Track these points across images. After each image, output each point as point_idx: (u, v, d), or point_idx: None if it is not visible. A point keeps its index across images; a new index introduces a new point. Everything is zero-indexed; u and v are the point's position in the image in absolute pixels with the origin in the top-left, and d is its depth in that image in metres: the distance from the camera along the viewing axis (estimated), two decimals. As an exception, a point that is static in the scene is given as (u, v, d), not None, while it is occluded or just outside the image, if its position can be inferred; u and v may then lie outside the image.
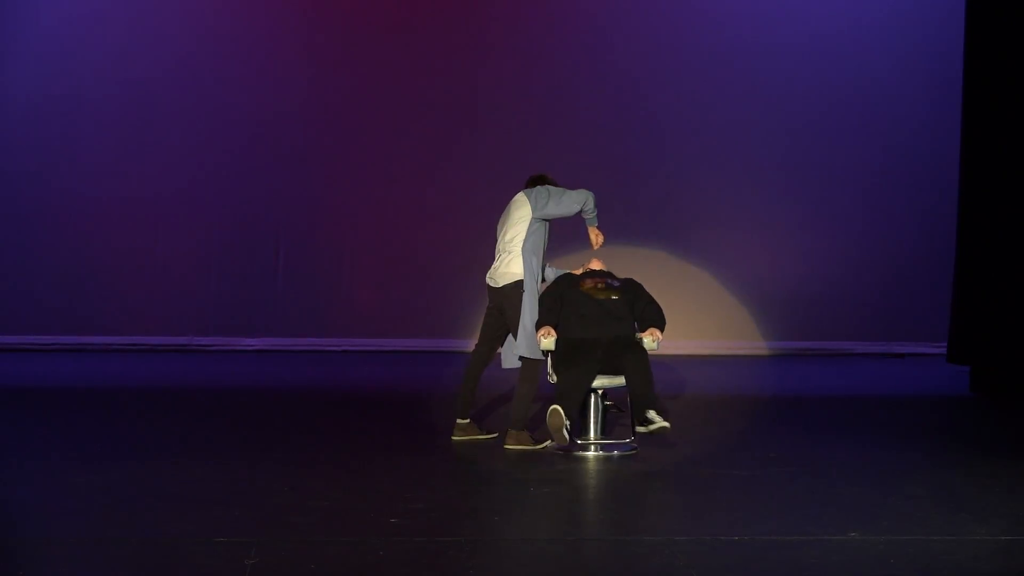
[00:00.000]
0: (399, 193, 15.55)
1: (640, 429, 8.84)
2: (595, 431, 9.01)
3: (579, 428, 8.98)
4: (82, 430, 9.82)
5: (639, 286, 9.36)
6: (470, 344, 15.45)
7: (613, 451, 8.95)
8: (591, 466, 8.66)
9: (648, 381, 8.85)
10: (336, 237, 15.57)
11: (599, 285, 9.24)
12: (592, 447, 8.93)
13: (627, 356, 8.88)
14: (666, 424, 8.79)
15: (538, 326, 9.04)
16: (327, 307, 15.51)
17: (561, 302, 9.20)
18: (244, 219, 15.51)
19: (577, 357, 8.89)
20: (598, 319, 9.11)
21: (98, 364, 14.11)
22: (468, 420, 9.40)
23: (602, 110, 15.68)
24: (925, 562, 6.27)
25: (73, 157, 15.30)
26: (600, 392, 9.04)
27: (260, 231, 15.49)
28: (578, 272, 9.47)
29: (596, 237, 9.38)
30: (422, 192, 15.56)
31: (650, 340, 9.05)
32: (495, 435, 9.40)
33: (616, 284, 9.28)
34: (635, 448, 9.05)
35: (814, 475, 8.34)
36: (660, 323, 9.13)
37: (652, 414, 8.85)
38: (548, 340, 8.99)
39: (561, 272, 9.57)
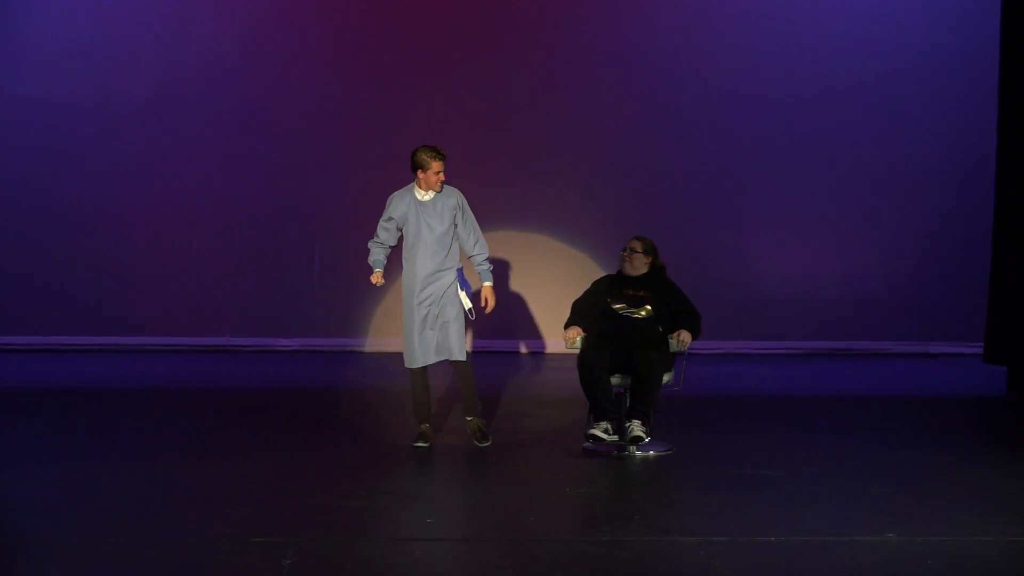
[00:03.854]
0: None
1: (595, 433, 8.86)
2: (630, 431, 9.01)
3: (617, 428, 8.99)
4: (118, 430, 9.87)
5: (673, 289, 9.36)
6: (506, 345, 15.60)
7: (649, 451, 8.95)
8: (627, 467, 8.66)
9: (649, 389, 8.86)
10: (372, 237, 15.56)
11: (630, 307, 9.26)
12: (628, 447, 8.93)
13: (641, 358, 8.90)
14: (641, 434, 8.83)
15: (567, 326, 9.35)
16: (363, 307, 15.53)
17: (593, 309, 9.33)
18: (280, 219, 15.54)
19: (597, 354, 8.96)
20: (625, 323, 9.19)
21: (133, 365, 14.17)
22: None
23: (628, 109, 15.64)
24: (961, 563, 6.25)
25: (108, 158, 15.35)
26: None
27: (296, 231, 15.52)
28: (621, 254, 9.49)
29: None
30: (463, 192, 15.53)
31: (675, 342, 9.07)
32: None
33: (645, 297, 9.27)
34: (671, 448, 9.06)
35: (849, 476, 8.32)
36: (693, 330, 9.15)
37: (635, 425, 8.85)
38: (574, 339, 9.17)
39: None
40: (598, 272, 10.03)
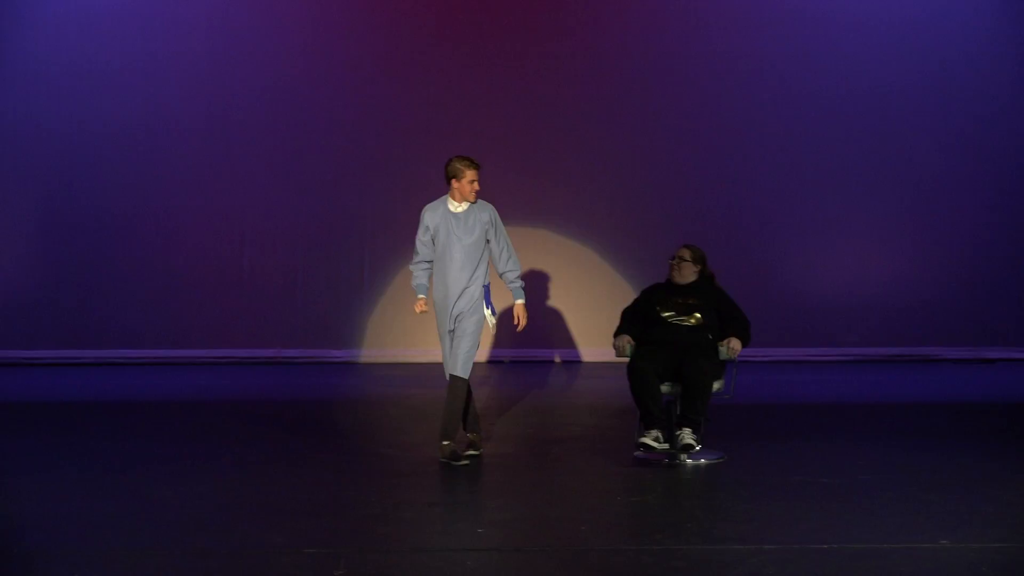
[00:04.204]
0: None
1: (646, 442, 8.83)
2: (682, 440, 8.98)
3: (668, 437, 8.96)
4: (170, 442, 9.92)
5: (723, 297, 9.34)
6: (557, 354, 15.61)
7: (700, 460, 8.93)
8: (678, 475, 8.64)
9: (700, 397, 8.84)
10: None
11: (679, 315, 9.24)
12: (679, 456, 8.91)
13: (691, 366, 8.88)
14: (692, 443, 8.80)
15: (616, 334, 9.32)
16: (412, 318, 15.55)
17: (643, 318, 9.32)
18: (330, 232, 15.60)
19: (647, 362, 8.94)
20: (674, 331, 9.18)
21: (186, 377, 14.25)
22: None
23: (676, 117, 15.61)
24: (1016, 571, 6.20)
25: (161, 173, 15.46)
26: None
27: (346, 243, 15.58)
28: (670, 262, 9.47)
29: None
30: (504, 201, 15.56)
31: (724, 349, 9.05)
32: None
33: (695, 305, 9.26)
34: (722, 457, 9.03)
35: (903, 482, 8.27)
36: (743, 337, 9.13)
37: (686, 433, 8.83)
38: (624, 348, 9.16)
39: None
40: (646, 281, 10.03)
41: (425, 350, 15.41)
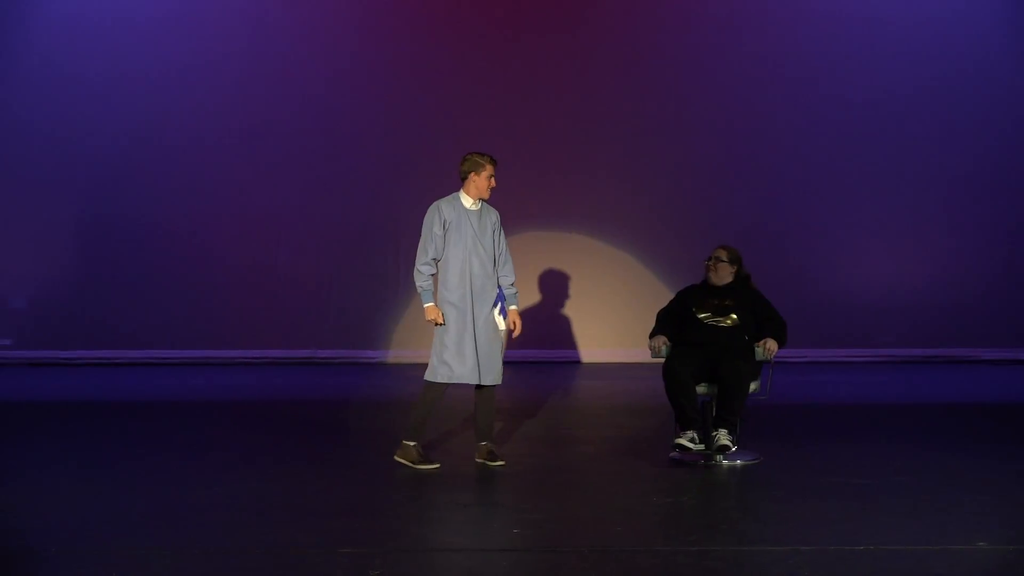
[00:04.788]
0: (513, 205, 15.58)
1: (681, 443, 8.81)
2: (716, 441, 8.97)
3: (703, 438, 8.95)
4: (204, 442, 9.97)
5: (759, 298, 9.31)
6: (591, 355, 15.61)
7: (736, 461, 8.91)
8: (714, 476, 8.62)
9: (736, 398, 8.82)
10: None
11: (715, 316, 9.22)
12: (715, 457, 8.89)
13: (727, 367, 8.86)
14: (728, 443, 8.78)
15: (652, 335, 9.28)
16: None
17: (678, 319, 9.30)
18: (363, 233, 15.65)
19: (683, 363, 8.92)
20: (710, 332, 9.16)
21: (222, 378, 14.31)
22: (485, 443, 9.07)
23: (714, 116, 15.59)
24: (1055, 572, 6.17)
25: (195, 176, 15.56)
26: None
27: (379, 244, 15.62)
28: (706, 263, 9.45)
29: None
30: (530, 201, 15.57)
31: (761, 350, 9.03)
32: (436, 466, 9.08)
33: (731, 306, 9.23)
34: (758, 458, 9.01)
35: (939, 484, 8.23)
36: (779, 338, 9.11)
37: (722, 434, 8.81)
38: (660, 348, 9.14)
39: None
40: (681, 282, 10.00)
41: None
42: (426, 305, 8.86)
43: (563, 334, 15.64)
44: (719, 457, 8.88)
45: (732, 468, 8.80)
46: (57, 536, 6.92)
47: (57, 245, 15.62)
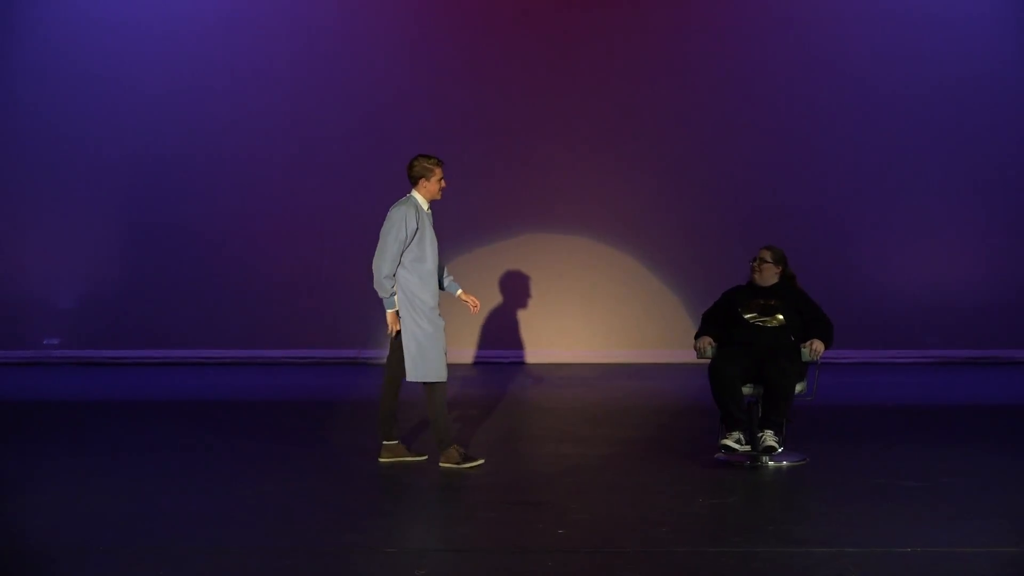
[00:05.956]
0: (562, 207, 15.59)
1: (727, 443, 8.79)
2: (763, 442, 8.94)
3: (749, 439, 8.93)
4: (252, 441, 10.01)
5: (805, 298, 9.29)
6: (640, 356, 15.58)
7: (782, 462, 8.89)
8: (760, 477, 8.61)
9: (782, 399, 8.79)
10: (497, 251, 15.65)
11: (761, 316, 9.20)
12: (761, 458, 8.87)
13: (773, 368, 8.84)
14: (773, 444, 8.76)
15: (697, 336, 9.29)
16: (490, 320, 15.60)
17: (724, 320, 9.29)
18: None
19: (729, 364, 8.91)
20: (756, 332, 9.14)
21: (268, 378, 14.38)
22: (396, 441, 9.20)
23: (761, 117, 15.54)
24: (1105, 575, 6.14)
25: (241, 180, 15.65)
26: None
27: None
28: (751, 264, 9.42)
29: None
30: (577, 203, 15.57)
31: (807, 351, 9.00)
32: (424, 456, 9.22)
33: (776, 307, 9.21)
34: (804, 459, 8.98)
35: (985, 486, 8.19)
36: (826, 338, 9.07)
37: (768, 435, 8.80)
38: (705, 349, 9.13)
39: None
40: (727, 283, 9.96)
41: (502, 352, 15.50)
42: (391, 311, 9.10)
43: (610, 334, 15.62)
44: (765, 458, 8.86)
45: (778, 469, 8.79)
46: (100, 535, 6.98)
47: (106, 246, 15.73)
